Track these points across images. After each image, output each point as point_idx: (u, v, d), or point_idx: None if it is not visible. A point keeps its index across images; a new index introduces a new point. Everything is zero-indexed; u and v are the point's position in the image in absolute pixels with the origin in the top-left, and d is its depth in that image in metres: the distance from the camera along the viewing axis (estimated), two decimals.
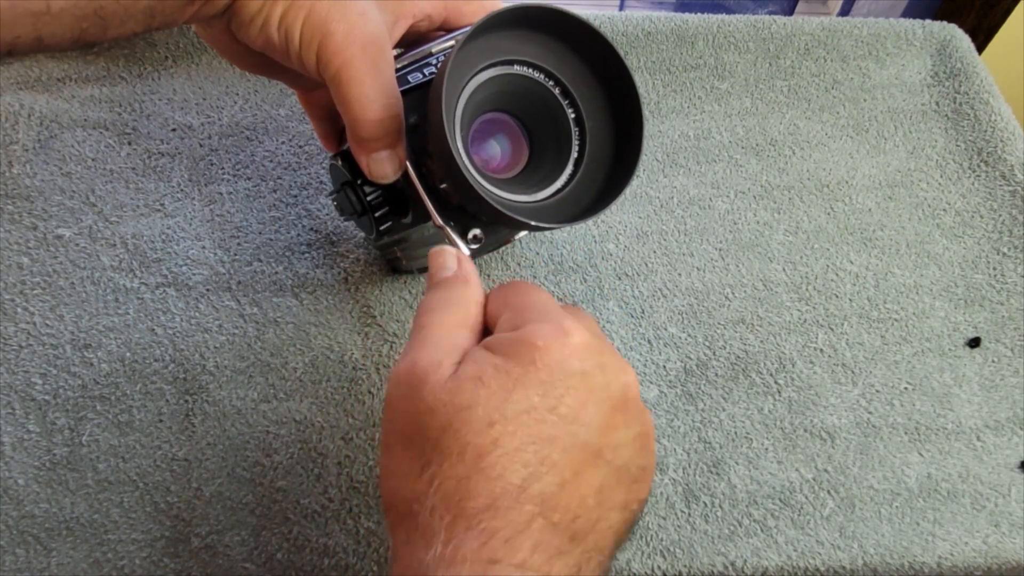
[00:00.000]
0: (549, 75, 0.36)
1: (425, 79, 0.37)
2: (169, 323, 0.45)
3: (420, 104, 0.36)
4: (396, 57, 0.36)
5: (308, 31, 0.31)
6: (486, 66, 0.35)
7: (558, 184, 0.37)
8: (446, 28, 0.39)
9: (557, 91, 0.36)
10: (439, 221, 0.36)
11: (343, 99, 0.32)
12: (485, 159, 0.38)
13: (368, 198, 0.38)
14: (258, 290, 0.46)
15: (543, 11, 0.33)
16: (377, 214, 0.38)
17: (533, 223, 0.33)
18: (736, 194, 0.54)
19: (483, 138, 0.38)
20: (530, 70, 0.36)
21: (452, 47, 0.36)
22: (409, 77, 0.37)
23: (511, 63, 0.35)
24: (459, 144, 0.33)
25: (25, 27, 0.25)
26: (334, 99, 0.33)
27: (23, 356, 0.43)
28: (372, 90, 0.32)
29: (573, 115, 0.37)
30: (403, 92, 0.35)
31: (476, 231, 0.37)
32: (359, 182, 0.38)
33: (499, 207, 0.32)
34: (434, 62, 0.37)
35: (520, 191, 0.36)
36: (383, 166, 0.34)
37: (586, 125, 0.37)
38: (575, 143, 0.37)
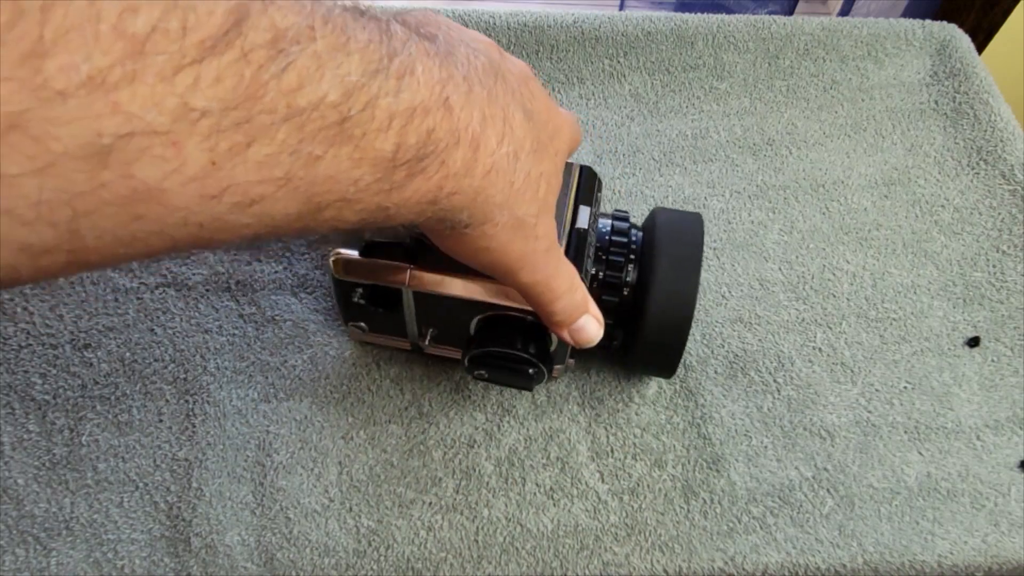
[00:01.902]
0: None
1: None
2: (169, 323, 0.45)
3: None
4: None
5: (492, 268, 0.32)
6: None
7: None
8: None
9: None
10: None
11: (532, 302, 0.34)
12: None
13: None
14: (256, 289, 0.47)
15: None
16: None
17: None
18: (731, 193, 0.54)
19: None
20: None
21: None
22: None
23: None
24: None
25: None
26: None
27: (23, 356, 0.43)
28: (557, 290, 0.34)
29: None
30: None
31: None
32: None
33: None
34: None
35: None
36: (585, 332, 0.36)
37: None
38: None
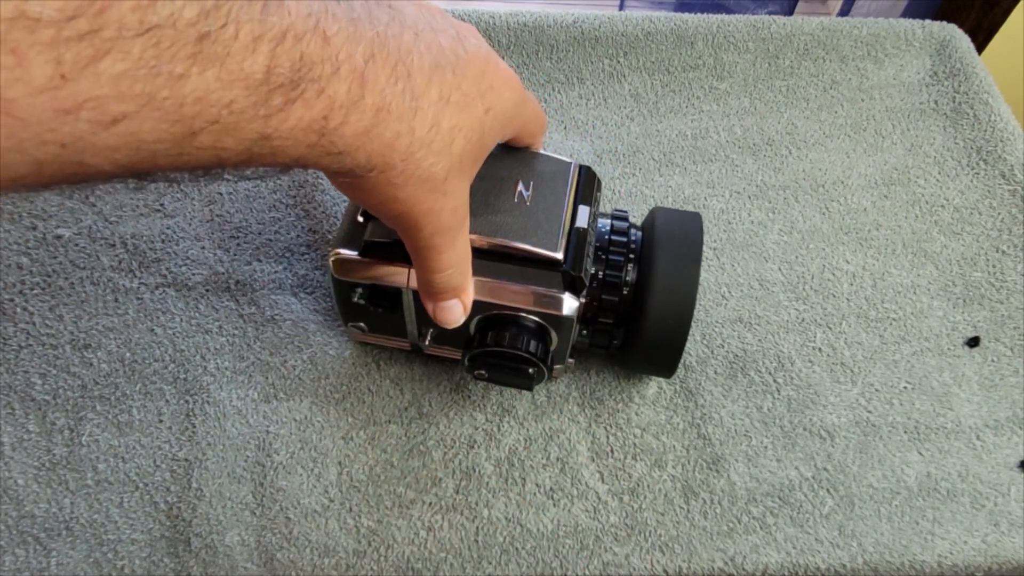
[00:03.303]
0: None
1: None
2: (169, 323, 0.45)
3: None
4: None
5: (393, 218, 0.32)
6: None
7: None
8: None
9: None
10: None
11: (419, 264, 0.34)
12: None
13: None
14: (256, 289, 0.47)
15: None
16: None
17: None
18: (731, 194, 0.54)
19: None
20: None
21: None
22: None
23: None
24: None
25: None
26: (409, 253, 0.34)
27: (23, 356, 0.43)
28: (447, 260, 0.34)
29: None
30: None
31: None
32: None
33: None
34: None
35: None
36: (449, 313, 0.36)
37: None
38: None
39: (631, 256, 0.40)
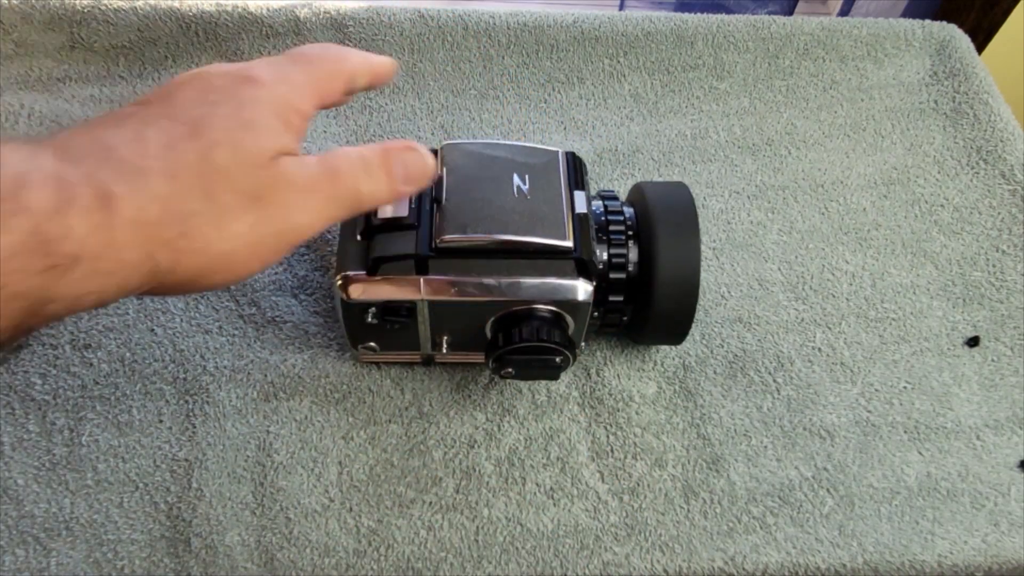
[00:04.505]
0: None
1: None
2: (169, 323, 0.45)
3: None
4: None
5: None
6: None
7: None
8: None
9: None
10: None
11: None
12: None
13: None
14: (256, 290, 0.47)
15: None
16: None
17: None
18: (730, 194, 0.54)
19: None
20: None
21: None
22: None
23: None
24: None
25: None
26: None
27: (23, 356, 0.43)
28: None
29: None
30: None
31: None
32: None
33: None
34: None
35: None
36: (406, 168, 0.33)
37: None
38: None
39: (630, 233, 0.41)
